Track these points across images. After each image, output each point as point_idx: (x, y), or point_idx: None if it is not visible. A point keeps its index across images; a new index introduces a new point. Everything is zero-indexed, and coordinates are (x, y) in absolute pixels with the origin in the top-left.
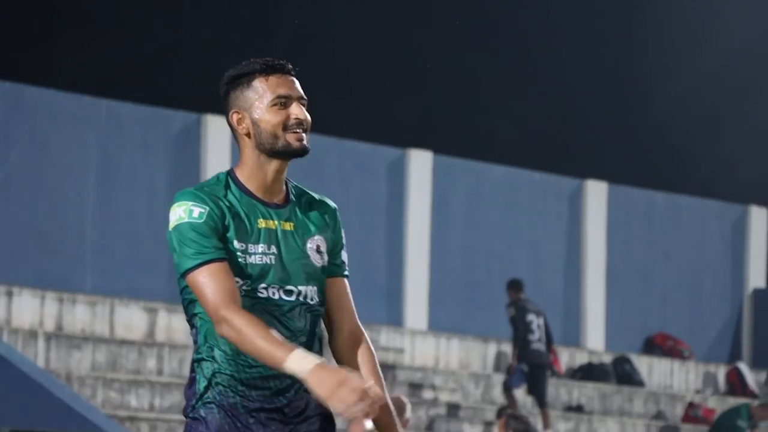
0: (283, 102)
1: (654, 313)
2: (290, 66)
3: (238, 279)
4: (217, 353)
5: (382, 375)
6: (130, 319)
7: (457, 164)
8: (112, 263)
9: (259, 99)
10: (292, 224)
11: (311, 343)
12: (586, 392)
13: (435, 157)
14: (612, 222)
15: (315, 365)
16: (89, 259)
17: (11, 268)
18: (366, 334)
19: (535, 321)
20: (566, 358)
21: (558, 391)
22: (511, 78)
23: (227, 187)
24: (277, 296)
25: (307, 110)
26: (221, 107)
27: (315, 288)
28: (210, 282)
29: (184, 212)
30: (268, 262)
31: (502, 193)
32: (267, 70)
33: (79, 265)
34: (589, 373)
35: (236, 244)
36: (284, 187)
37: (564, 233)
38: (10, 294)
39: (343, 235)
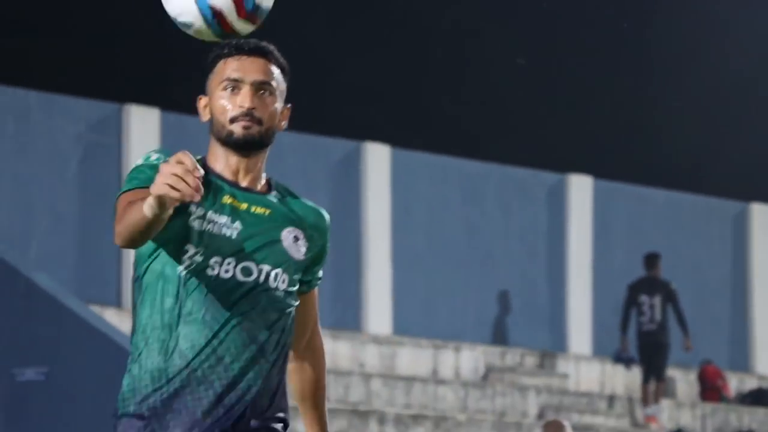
0: (232, 86)
1: None
2: (263, 46)
3: (188, 247)
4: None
5: (324, 385)
6: None
7: (618, 188)
8: None
9: (214, 82)
10: (268, 210)
11: (284, 348)
12: (757, 418)
13: (596, 181)
14: None
15: None
16: None
17: None
18: (322, 344)
19: (647, 302)
20: (735, 383)
21: (728, 416)
22: (668, 99)
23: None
24: (230, 274)
25: (271, 96)
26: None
27: (286, 276)
28: (130, 198)
29: (142, 159)
30: (228, 234)
31: (664, 218)
32: (231, 52)
33: None
34: (759, 398)
35: (193, 207)
36: (264, 182)
37: (729, 256)
38: None
39: (327, 250)
